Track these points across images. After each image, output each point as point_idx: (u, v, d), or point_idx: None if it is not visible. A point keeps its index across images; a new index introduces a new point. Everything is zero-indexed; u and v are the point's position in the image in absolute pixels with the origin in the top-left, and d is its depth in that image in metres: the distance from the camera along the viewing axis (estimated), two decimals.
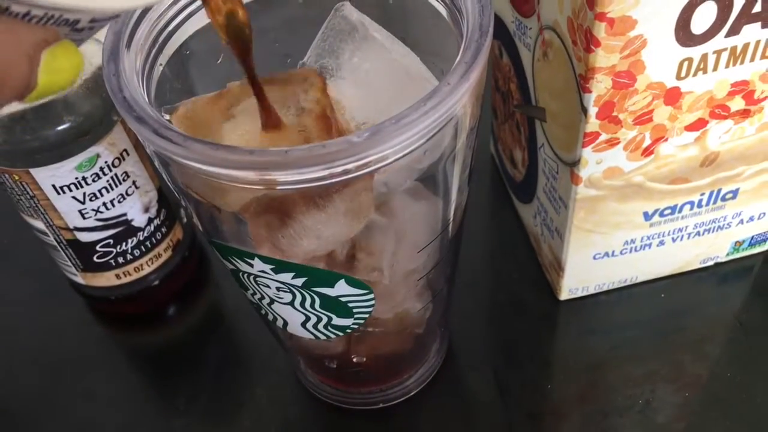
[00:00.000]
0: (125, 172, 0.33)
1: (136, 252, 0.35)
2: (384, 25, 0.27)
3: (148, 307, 0.39)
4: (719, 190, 0.32)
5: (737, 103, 0.28)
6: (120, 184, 0.33)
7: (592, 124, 0.27)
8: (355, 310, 0.26)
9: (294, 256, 0.24)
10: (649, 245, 0.34)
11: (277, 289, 0.25)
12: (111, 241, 0.34)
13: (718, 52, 0.26)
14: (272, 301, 0.26)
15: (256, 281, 0.25)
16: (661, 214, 0.32)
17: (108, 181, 0.32)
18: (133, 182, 0.33)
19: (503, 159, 0.40)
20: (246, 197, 0.22)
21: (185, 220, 0.38)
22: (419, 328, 0.32)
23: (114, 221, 0.34)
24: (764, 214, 0.34)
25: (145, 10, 0.23)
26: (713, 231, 0.34)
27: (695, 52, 0.26)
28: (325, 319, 0.27)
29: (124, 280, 0.36)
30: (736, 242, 0.36)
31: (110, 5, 0.16)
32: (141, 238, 0.35)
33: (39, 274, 0.40)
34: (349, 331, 0.27)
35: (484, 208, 0.42)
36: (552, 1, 0.27)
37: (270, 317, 0.28)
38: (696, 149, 0.30)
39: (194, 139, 0.20)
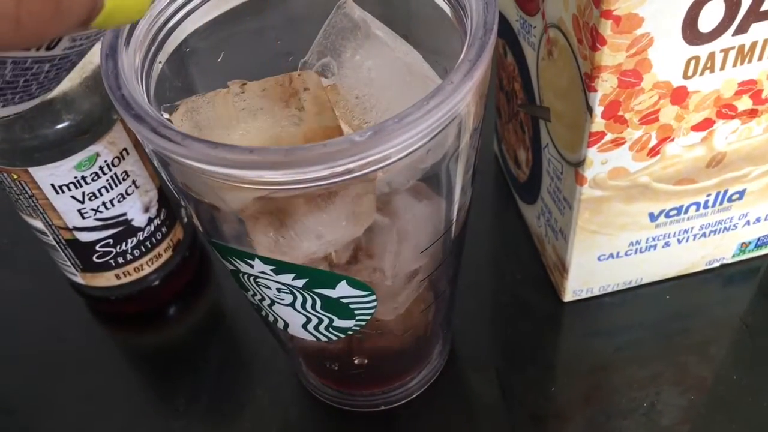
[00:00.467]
0: (125, 172, 0.32)
1: (136, 252, 0.35)
2: (386, 23, 0.26)
3: (148, 308, 0.38)
4: (726, 191, 0.32)
5: (744, 103, 0.28)
6: (120, 183, 0.32)
7: (598, 123, 0.27)
8: (356, 312, 0.26)
9: (294, 257, 0.23)
10: (655, 246, 0.34)
11: (278, 290, 0.25)
12: (111, 241, 0.34)
13: (726, 51, 0.26)
14: (273, 302, 0.26)
15: (256, 282, 0.25)
16: (667, 215, 0.32)
17: (107, 180, 0.32)
18: (133, 182, 0.33)
19: (507, 159, 0.40)
20: (246, 197, 0.22)
21: (186, 219, 0.38)
22: (422, 329, 0.31)
23: (114, 221, 0.33)
24: None
25: None
26: (719, 232, 0.34)
27: (702, 50, 0.25)
28: (326, 321, 0.26)
29: (124, 280, 0.36)
30: (742, 243, 0.35)
31: None
32: (141, 238, 0.35)
33: (38, 273, 0.40)
34: (350, 332, 0.27)
35: (488, 208, 0.42)
36: None
37: (271, 318, 0.28)
38: (703, 149, 0.29)
39: (193, 138, 0.19)
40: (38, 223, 0.33)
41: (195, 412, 0.35)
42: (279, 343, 0.33)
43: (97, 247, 0.34)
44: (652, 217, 0.32)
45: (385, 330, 0.30)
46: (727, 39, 0.25)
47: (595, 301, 0.36)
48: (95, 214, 0.32)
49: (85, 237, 0.33)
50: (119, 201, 0.33)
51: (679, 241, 0.34)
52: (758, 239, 0.36)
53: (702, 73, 0.26)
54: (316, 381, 0.34)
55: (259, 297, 0.26)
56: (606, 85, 0.26)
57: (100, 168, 0.31)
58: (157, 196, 0.35)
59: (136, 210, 0.34)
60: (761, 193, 0.32)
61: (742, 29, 0.25)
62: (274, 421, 0.34)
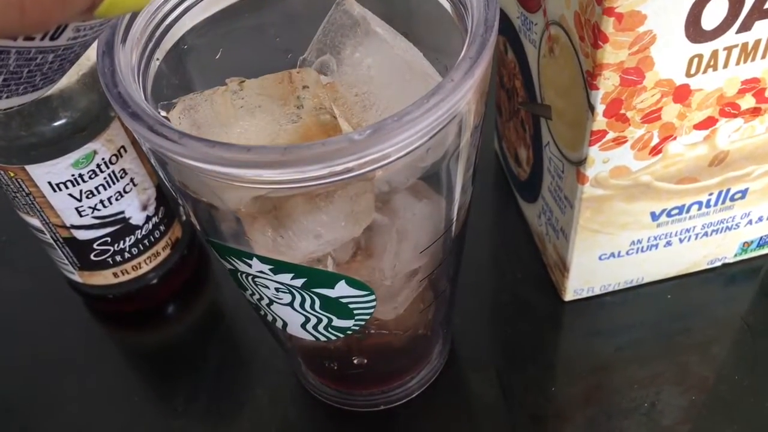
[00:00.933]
0: (123, 169, 0.32)
1: (134, 250, 0.35)
2: (386, 20, 0.26)
3: (146, 306, 0.38)
4: (728, 190, 0.31)
5: (748, 101, 0.28)
6: (117, 181, 0.32)
7: (599, 122, 0.27)
8: (355, 312, 0.26)
9: (292, 257, 0.23)
10: (656, 246, 0.33)
11: (276, 289, 0.25)
12: (108, 239, 0.33)
13: (729, 49, 0.25)
14: (271, 301, 0.26)
15: (254, 281, 0.25)
16: (669, 215, 0.32)
17: (105, 178, 0.32)
18: (131, 179, 0.33)
19: (507, 157, 0.40)
20: (244, 196, 0.22)
21: (184, 218, 0.38)
22: (421, 329, 0.31)
23: (111, 219, 0.33)
24: None
25: None
26: (721, 231, 0.34)
27: (705, 48, 0.25)
28: (325, 321, 0.26)
29: (122, 278, 0.36)
30: (744, 243, 0.35)
31: None
32: (139, 237, 0.34)
33: (36, 271, 0.40)
34: (349, 332, 0.27)
35: (488, 207, 0.42)
36: None
37: (269, 318, 0.28)
38: (705, 148, 0.29)
39: (190, 136, 0.19)
40: (35, 221, 0.33)
41: (194, 411, 0.35)
42: (278, 343, 0.33)
43: (94, 246, 0.34)
44: (654, 217, 0.32)
45: (385, 329, 0.29)
46: (731, 37, 0.25)
47: (596, 301, 0.36)
48: (93, 212, 0.32)
49: (82, 235, 0.33)
50: (117, 199, 0.33)
51: (681, 241, 0.34)
52: (760, 238, 0.35)
53: (705, 71, 0.26)
54: (315, 380, 0.34)
55: (257, 296, 0.26)
56: (608, 83, 0.25)
57: (98, 166, 0.31)
58: (156, 194, 0.34)
59: (134, 208, 0.34)
60: (763, 192, 0.32)
61: (745, 27, 0.25)
62: (273, 420, 0.34)
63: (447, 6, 0.24)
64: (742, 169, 0.31)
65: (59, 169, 0.30)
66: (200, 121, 0.24)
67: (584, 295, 0.36)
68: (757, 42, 0.25)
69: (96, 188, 0.32)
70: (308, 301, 0.25)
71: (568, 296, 0.36)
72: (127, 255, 0.35)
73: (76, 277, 0.36)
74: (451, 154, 0.23)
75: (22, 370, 0.37)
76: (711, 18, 0.24)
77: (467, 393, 0.35)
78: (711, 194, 0.31)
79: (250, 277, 0.25)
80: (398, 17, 0.26)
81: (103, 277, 0.35)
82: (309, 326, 0.27)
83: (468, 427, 0.33)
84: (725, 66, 0.26)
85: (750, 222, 0.34)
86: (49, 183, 0.30)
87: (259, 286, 0.25)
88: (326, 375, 0.33)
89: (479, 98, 0.22)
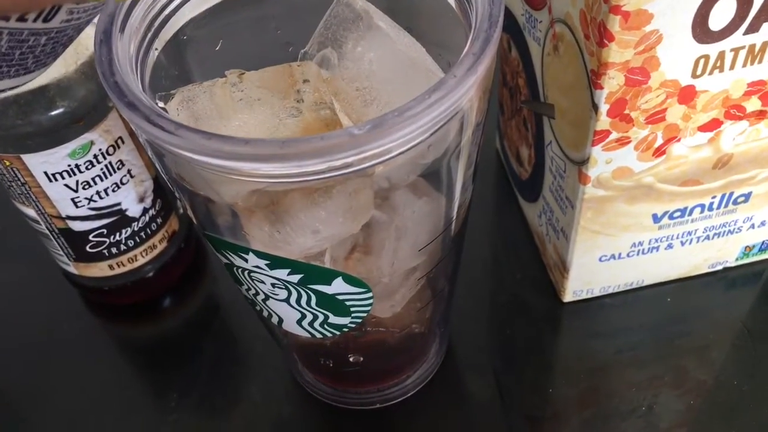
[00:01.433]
0: (120, 161, 0.32)
1: (131, 242, 0.34)
2: (389, 15, 0.26)
3: (142, 299, 0.38)
4: (731, 194, 0.31)
5: (753, 104, 0.27)
6: (114, 172, 0.32)
7: (603, 122, 0.26)
8: (352, 309, 0.25)
9: (289, 252, 0.23)
10: (657, 248, 0.33)
11: (273, 285, 0.24)
12: (104, 230, 0.33)
13: (736, 50, 0.25)
14: (267, 297, 0.26)
15: (250, 276, 0.25)
16: (671, 217, 0.31)
17: (102, 169, 0.31)
18: (128, 171, 0.32)
19: (509, 156, 0.39)
20: (241, 190, 0.22)
21: (182, 211, 0.37)
22: (419, 327, 0.31)
23: (108, 211, 0.33)
24: None
25: None
26: (723, 235, 0.33)
27: (712, 49, 0.25)
28: (321, 317, 0.26)
29: (118, 270, 0.35)
30: (746, 247, 0.35)
31: None
32: (135, 229, 0.34)
33: (31, 262, 0.39)
34: (346, 330, 0.27)
35: (488, 206, 0.41)
36: None
37: (265, 314, 0.27)
38: (709, 150, 0.29)
39: (187, 127, 0.19)
40: (31, 211, 0.32)
41: (187, 405, 0.34)
42: (274, 339, 0.32)
43: (90, 237, 0.33)
44: (656, 219, 0.31)
45: (382, 327, 0.29)
46: (738, 38, 0.25)
47: (596, 302, 0.36)
48: (89, 204, 0.32)
49: (78, 226, 0.33)
50: (114, 190, 0.32)
51: (683, 244, 0.33)
52: (762, 243, 0.35)
53: (711, 73, 0.26)
54: (310, 377, 0.34)
55: (253, 292, 0.26)
56: (612, 82, 0.25)
57: (95, 156, 0.31)
58: (153, 186, 0.34)
59: (131, 200, 0.33)
60: (767, 196, 0.32)
61: (753, 28, 0.24)
62: (267, 417, 0.34)
63: (451, 1, 0.24)
64: (746, 173, 0.30)
65: (56, 159, 0.30)
66: (199, 113, 0.24)
67: (584, 296, 0.36)
68: (765, 44, 0.25)
69: (92, 179, 0.31)
70: (304, 298, 0.25)
71: (568, 297, 0.35)
72: (123, 247, 0.34)
73: (72, 268, 0.35)
74: (453, 151, 0.23)
75: (15, 360, 0.37)
76: (718, 18, 0.24)
77: (464, 392, 0.35)
78: (714, 197, 0.31)
79: (246, 272, 0.24)
80: (401, 12, 0.26)
81: (99, 269, 0.35)
82: (305, 323, 0.26)
83: (464, 427, 0.33)
84: (732, 68, 0.26)
85: (752, 226, 0.33)
86: (45, 173, 0.30)
87: (255, 282, 0.25)
88: (322, 372, 0.33)
89: (482, 95, 0.21)
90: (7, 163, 0.30)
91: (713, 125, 0.28)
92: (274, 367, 0.35)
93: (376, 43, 0.25)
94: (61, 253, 0.34)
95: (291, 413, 0.34)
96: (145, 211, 0.34)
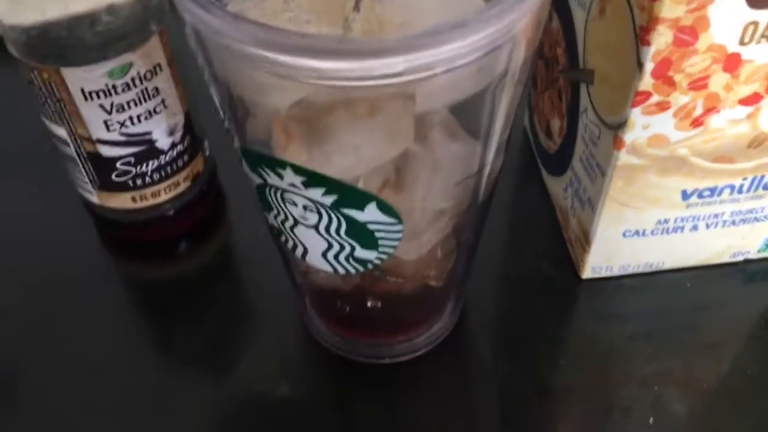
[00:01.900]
0: (156, 88, 0.32)
1: (156, 176, 0.34)
2: None
3: (159, 238, 0.38)
4: (762, 177, 0.31)
5: None
6: (149, 99, 0.32)
7: (646, 82, 0.26)
8: (380, 242, 0.25)
9: (326, 170, 0.23)
10: (682, 228, 0.33)
11: (304, 207, 0.24)
12: (132, 159, 0.33)
13: None
14: (296, 223, 0.25)
15: (283, 197, 0.24)
16: (700, 195, 0.31)
17: (137, 93, 0.31)
18: (162, 101, 0.32)
19: (538, 130, 0.39)
20: (288, 98, 0.22)
21: (208, 152, 0.37)
22: (436, 280, 0.31)
23: (138, 139, 0.33)
24: None
25: None
26: (749, 222, 0.33)
27: (763, 16, 0.25)
28: (348, 249, 0.26)
29: (140, 204, 0.35)
30: None
31: None
32: (162, 162, 0.34)
33: (51, 191, 0.39)
34: (370, 266, 0.26)
35: (511, 182, 0.41)
36: None
37: (290, 245, 0.27)
38: (747, 126, 0.29)
39: (246, 19, 0.19)
40: (62, 131, 0.32)
41: (194, 349, 0.34)
42: (290, 280, 0.32)
43: (117, 165, 0.33)
44: (685, 195, 0.31)
45: (402, 275, 0.29)
46: None
47: (613, 283, 0.36)
48: (120, 128, 0.32)
49: (107, 151, 0.33)
50: (146, 118, 0.32)
51: (707, 226, 0.33)
52: None
53: (759, 42, 0.26)
54: (321, 326, 0.33)
55: (282, 217, 0.26)
56: (661, 39, 0.25)
57: (132, 79, 0.31)
58: (184, 121, 0.34)
59: (161, 131, 0.33)
60: None
61: None
62: (275, 365, 0.33)
63: None
64: None
65: (94, 76, 0.30)
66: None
67: (602, 274, 0.35)
68: None
69: (127, 103, 0.31)
70: (335, 224, 0.25)
71: (586, 273, 0.35)
72: (147, 180, 0.34)
73: (94, 197, 0.35)
74: (497, 83, 0.23)
75: (24, 292, 0.36)
76: None
77: (473, 358, 0.34)
78: (745, 179, 0.31)
79: (279, 192, 0.24)
80: None
81: (122, 200, 0.35)
82: (330, 254, 0.26)
83: (469, 392, 0.33)
84: None
85: None
86: (82, 90, 0.30)
87: (287, 203, 0.25)
88: (334, 319, 0.33)
89: (536, 25, 0.22)
90: (46, 76, 0.30)
91: (754, 99, 0.28)
92: (285, 316, 0.35)
93: None
94: (86, 180, 0.34)
95: (299, 362, 0.34)
96: (173, 145, 0.34)
